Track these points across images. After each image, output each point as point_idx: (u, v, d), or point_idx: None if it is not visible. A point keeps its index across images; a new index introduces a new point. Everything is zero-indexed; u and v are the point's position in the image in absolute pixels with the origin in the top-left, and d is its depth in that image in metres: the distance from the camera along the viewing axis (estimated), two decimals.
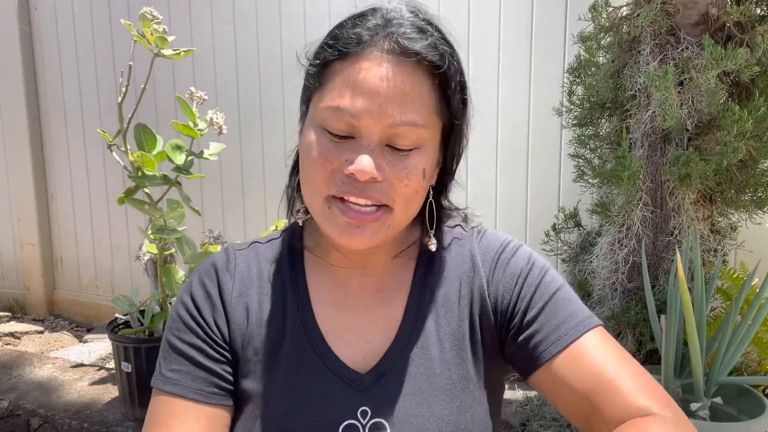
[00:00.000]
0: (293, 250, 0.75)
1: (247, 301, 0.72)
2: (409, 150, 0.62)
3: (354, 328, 0.71)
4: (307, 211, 0.72)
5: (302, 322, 0.70)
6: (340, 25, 0.64)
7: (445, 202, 0.76)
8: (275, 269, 0.74)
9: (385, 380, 0.67)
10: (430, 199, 0.70)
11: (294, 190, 0.75)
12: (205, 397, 0.68)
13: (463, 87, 0.66)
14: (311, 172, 0.64)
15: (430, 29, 0.63)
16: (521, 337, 0.67)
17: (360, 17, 0.64)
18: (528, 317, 0.67)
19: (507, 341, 0.70)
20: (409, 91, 0.60)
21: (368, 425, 0.65)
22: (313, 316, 0.71)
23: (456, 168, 0.73)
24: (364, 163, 0.60)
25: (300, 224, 0.75)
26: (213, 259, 0.75)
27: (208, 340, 0.70)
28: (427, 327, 0.70)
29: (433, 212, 0.71)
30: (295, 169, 0.75)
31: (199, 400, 0.68)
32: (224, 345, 0.71)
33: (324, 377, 0.67)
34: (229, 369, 0.70)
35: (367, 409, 0.66)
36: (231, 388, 0.70)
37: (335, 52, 0.62)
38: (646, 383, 0.61)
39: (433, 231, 0.71)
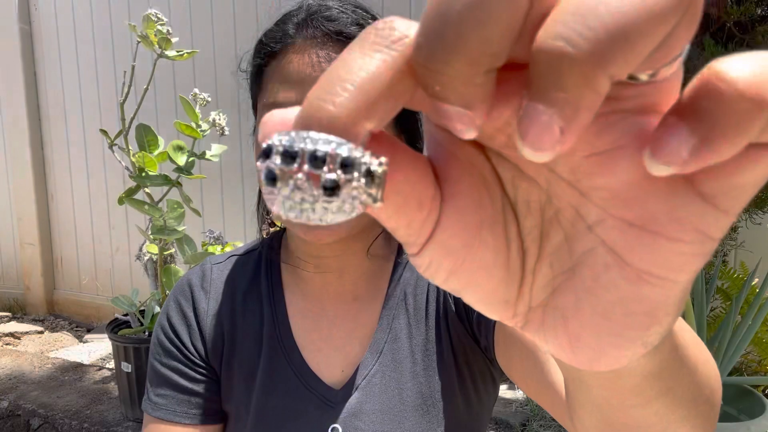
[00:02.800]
0: (270, 262, 0.73)
1: (223, 320, 0.71)
2: None
3: (331, 339, 0.69)
4: (271, 224, 0.73)
5: (279, 337, 0.69)
6: (267, 29, 0.64)
7: None
8: (252, 283, 0.73)
9: (356, 396, 0.66)
10: None
11: (263, 206, 0.75)
12: (191, 420, 0.69)
13: None
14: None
15: (355, 9, 0.62)
16: (474, 318, 0.65)
17: (285, 15, 0.64)
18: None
19: (474, 331, 0.67)
20: None
21: None
22: (289, 330, 0.69)
23: (422, 147, 0.68)
24: None
25: (265, 236, 0.74)
26: (188, 276, 0.74)
27: (188, 362, 0.70)
28: (400, 337, 0.68)
29: None
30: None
31: (186, 423, 0.68)
32: (203, 365, 0.70)
33: (298, 395, 0.67)
34: (212, 387, 0.70)
35: (337, 426, 0.65)
36: (216, 407, 0.71)
37: (264, 54, 0.63)
38: None
39: None
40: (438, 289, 0.69)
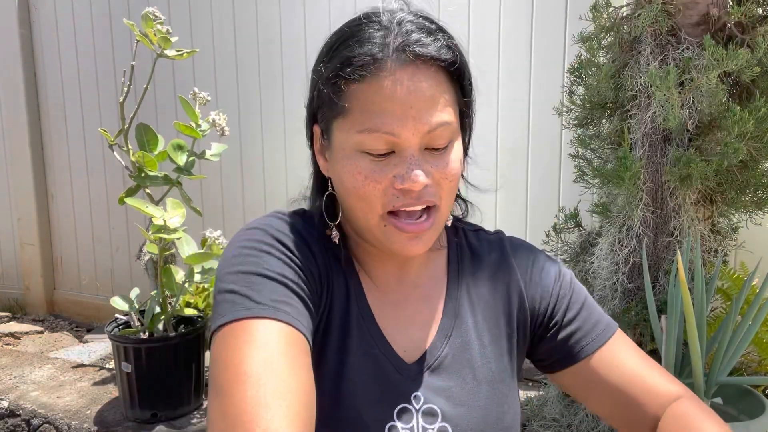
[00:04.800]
0: (331, 245, 0.72)
1: (324, 274, 0.69)
2: (446, 146, 0.65)
3: (398, 322, 0.73)
4: (338, 228, 0.72)
5: (359, 308, 0.71)
6: (346, 43, 0.64)
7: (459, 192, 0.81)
8: (326, 258, 0.70)
9: (432, 372, 0.70)
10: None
11: (322, 210, 0.72)
12: (310, 336, 0.63)
13: (470, 74, 0.69)
14: (361, 195, 0.64)
15: (434, 27, 0.65)
16: (561, 334, 0.74)
17: (362, 31, 0.63)
18: (568, 316, 0.75)
19: (543, 339, 0.76)
20: (434, 94, 0.63)
21: (421, 409, 0.68)
22: (369, 308, 0.72)
23: (467, 150, 0.79)
24: (418, 177, 0.62)
25: (336, 242, 0.71)
26: (288, 216, 0.70)
27: (306, 280, 0.65)
28: (465, 321, 0.73)
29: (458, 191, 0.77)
30: (320, 192, 0.73)
31: (308, 338, 0.62)
32: (317, 289, 0.67)
33: (381, 363, 0.70)
34: (313, 315, 0.66)
35: (419, 394, 0.69)
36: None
37: (353, 76, 0.62)
38: (665, 373, 0.73)
39: (449, 222, 0.76)
40: (508, 285, 0.77)
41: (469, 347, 0.72)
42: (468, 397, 0.70)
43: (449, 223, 0.76)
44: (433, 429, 0.67)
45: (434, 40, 0.63)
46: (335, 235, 0.71)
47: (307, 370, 0.59)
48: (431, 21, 0.67)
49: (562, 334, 0.74)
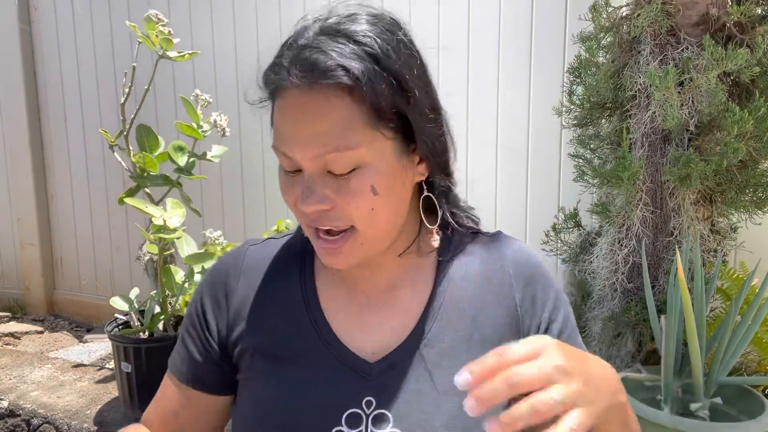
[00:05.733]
0: (304, 248, 0.77)
1: (255, 296, 0.74)
2: (350, 172, 0.61)
3: (363, 325, 0.72)
4: None
5: (310, 314, 0.72)
6: (270, 64, 0.65)
7: (454, 197, 0.76)
8: (285, 265, 0.76)
9: (393, 373, 0.68)
10: (425, 194, 0.71)
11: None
12: (190, 383, 0.77)
13: (399, 83, 0.62)
14: (288, 204, 0.68)
15: (339, 45, 0.60)
16: None
17: (282, 47, 0.64)
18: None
19: None
20: (324, 118, 0.60)
21: (372, 415, 0.66)
22: (321, 311, 0.72)
23: (446, 160, 0.71)
24: (306, 203, 0.62)
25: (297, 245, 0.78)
26: (225, 257, 0.79)
27: (203, 337, 0.76)
28: (443, 329, 0.70)
29: (433, 208, 0.73)
30: None
31: (186, 384, 0.77)
32: (215, 344, 0.76)
33: (331, 366, 0.69)
34: (217, 364, 0.76)
35: (372, 399, 0.67)
36: (216, 382, 0.77)
37: (267, 92, 0.66)
38: None
39: (434, 227, 0.73)
40: (499, 295, 0.73)
41: (443, 354, 0.69)
42: (426, 405, 0.66)
43: (432, 242, 0.74)
44: None
45: (324, 61, 0.58)
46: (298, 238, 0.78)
47: (168, 402, 0.78)
48: (346, 35, 0.61)
49: None
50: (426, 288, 0.73)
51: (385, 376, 0.68)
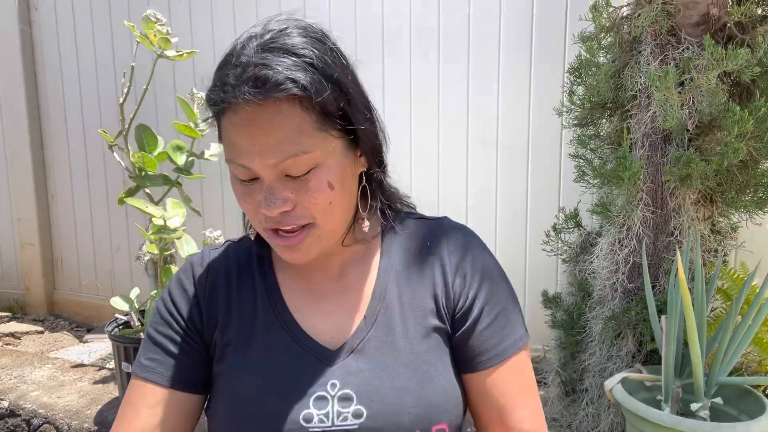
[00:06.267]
0: (262, 247, 0.82)
1: (221, 292, 0.79)
2: (307, 173, 0.67)
3: (321, 312, 0.77)
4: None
5: (273, 307, 0.77)
6: (212, 79, 0.69)
7: (388, 186, 0.82)
8: (246, 263, 0.81)
9: (352, 356, 0.74)
10: (362, 185, 0.77)
11: (243, 221, 0.86)
12: (173, 385, 0.77)
13: (339, 87, 0.68)
14: (244, 211, 0.73)
15: (282, 60, 0.64)
16: (466, 342, 0.77)
17: (221, 67, 0.68)
18: (478, 328, 0.77)
19: (454, 334, 0.78)
20: (279, 128, 0.64)
21: (337, 395, 0.72)
22: (283, 301, 0.78)
23: (382, 153, 0.79)
24: (270, 207, 0.67)
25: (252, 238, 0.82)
26: (190, 259, 0.84)
27: (182, 333, 0.78)
28: (391, 306, 0.76)
29: (369, 198, 0.79)
30: None
31: (168, 386, 0.76)
32: (196, 337, 0.79)
33: (295, 354, 0.74)
34: (199, 359, 0.78)
35: (336, 381, 0.72)
36: (199, 378, 0.78)
37: (214, 110, 0.70)
38: (534, 412, 0.77)
39: (366, 214, 0.78)
40: (435, 268, 0.79)
41: (392, 331, 0.75)
42: (385, 378, 0.72)
43: (364, 227, 0.78)
44: (348, 412, 0.71)
45: (276, 74, 0.63)
46: (252, 232, 0.81)
47: (145, 413, 0.76)
48: (285, 51, 0.65)
49: (467, 342, 0.77)
50: (372, 273, 0.79)
51: (346, 360, 0.73)
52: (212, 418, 0.78)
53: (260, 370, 0.73)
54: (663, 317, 1.42)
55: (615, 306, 1.65)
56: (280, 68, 0.63)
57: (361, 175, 0.78)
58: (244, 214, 0.82)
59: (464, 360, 0.77)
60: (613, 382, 1.45)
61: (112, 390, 2.32)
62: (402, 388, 0.71)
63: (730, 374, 1.50)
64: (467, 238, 0.82)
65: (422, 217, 0.85)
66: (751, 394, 1.42)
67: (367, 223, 0.78)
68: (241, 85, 0.64)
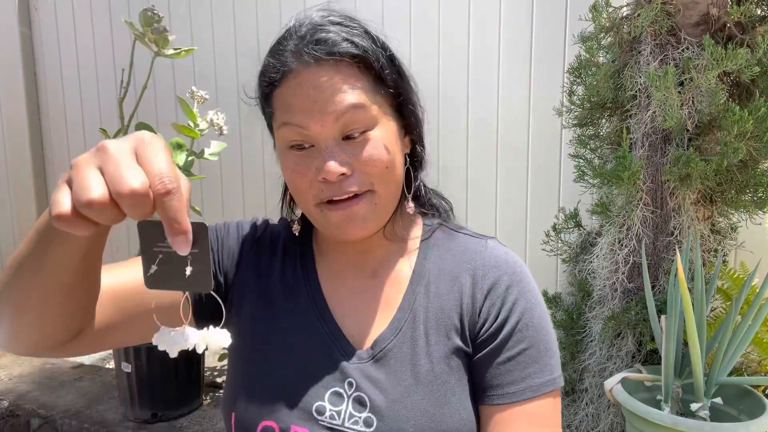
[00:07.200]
0: (305, 231, 0.83)
1: (263, 261, 0.80)
2: (363, 133, 0.68)
3: (351, 308, 0.76)
4: (301, 220, 0.82)
5: (309, 291, 0.77)
6: (266, 58, 0.72)
7: (422, 175, 0.82)
8: (291, 242, 0.82)
9: (373, 362, 0.72)
10: (407, 166, 0.77)
11: (287, 203, 0.85)
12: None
13: (392, 61, 0.72)
14: (294, 188, 0.71)
15: (339, 27, 0.69)
16: (482, 370, 0.72)
17: (277, 43, 0.72)
18: (497, 358, 0.71)
19: (473, 358, 0.73)
20: (338, 83, 0.67)
21: (352, 396, 0.70)
22: (320, 288, 0.77)
23: (423, 142, 0.79)
24: (330, 167, 0.66)
25: (296, 234, 0.82)
26: (248, 224, 0.84)
27: (222, 250, 0.80)
28: (417, 319, 0.74)
29: (411, 179, 0.79)
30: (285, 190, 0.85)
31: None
32: (227, 262, 0.80)
33: (321, 340, 0.73)
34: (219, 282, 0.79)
35: (353, 380, 0.71)
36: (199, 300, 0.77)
37: (269, 83, 0.70)
38: None
39: (410, 194, 0.78)
40: (462, 290, 0.75)
41: (415, 344, 0.72)
42: (402, 393, 0.69)
43: (408, 210, 0.77)
44: (360, 417, 0.69)
45: (334, 37, 0.67)
46: (296, 228, 0.81)
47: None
48: (340, 23, 0.70)
49: (484, 370, 0.71)
50: (405, 279, 0.77)
51: (366, 363, 0.72)
52: (230, 383, 0.78)
53: (288, 351, 0.73)
54: (663, 317, 1.42)
55: (615, 306, 1.65)
56: (339, 32, 0.68)
57: (404, 158, 0.77)
58: (283, 204, 0.83)
59: (477, 389, 0.72)
60: (613, 382, 1.45)
61: (111, 390, 2.32)
62: (417, 408, 0.69)
63: (730, 374, 1.50)
64: (511, 266, 0.75)
65: (468, 233, 0.81)
66: (751, 394, 1.42)
67: (411, 204, 0.77)
68: (301, 49, 0.67)
